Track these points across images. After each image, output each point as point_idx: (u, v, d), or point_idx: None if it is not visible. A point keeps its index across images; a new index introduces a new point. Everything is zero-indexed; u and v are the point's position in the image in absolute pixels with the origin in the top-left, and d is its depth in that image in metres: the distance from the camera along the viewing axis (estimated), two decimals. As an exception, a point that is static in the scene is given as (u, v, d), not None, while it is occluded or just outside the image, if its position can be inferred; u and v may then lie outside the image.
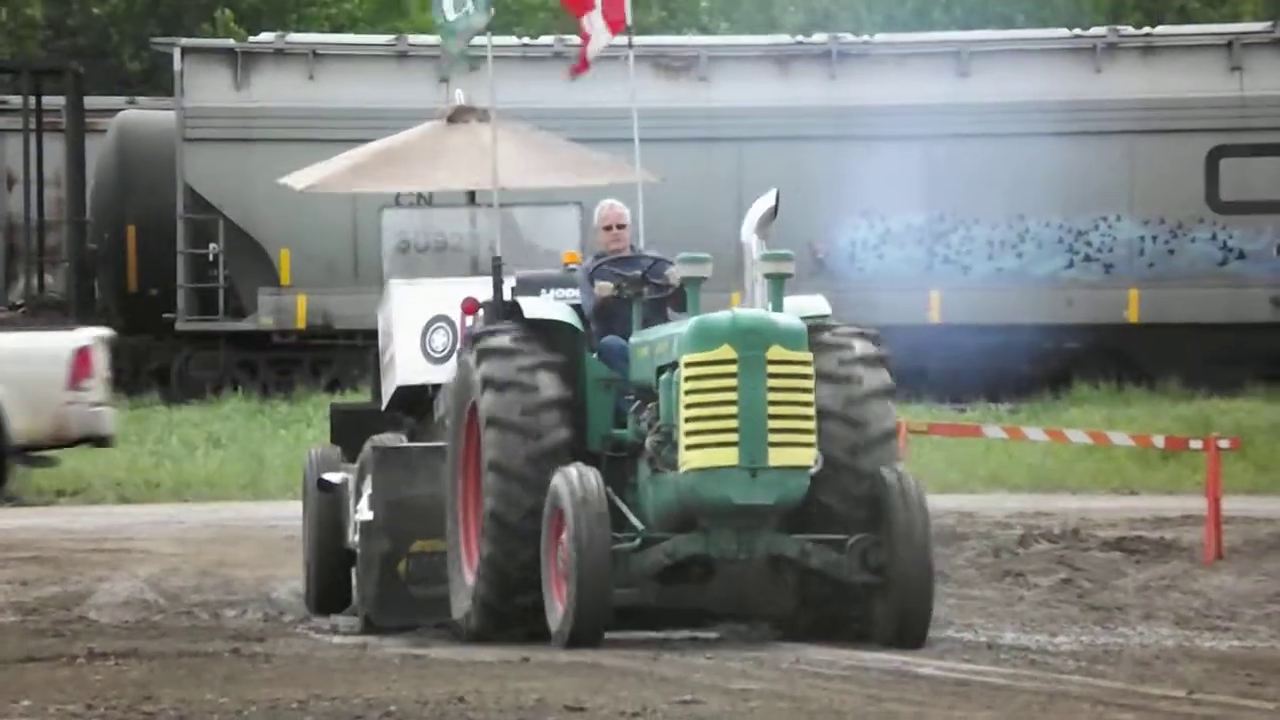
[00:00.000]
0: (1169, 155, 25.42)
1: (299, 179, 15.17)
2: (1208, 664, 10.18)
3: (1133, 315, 25.34)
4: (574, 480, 10.48)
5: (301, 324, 25.74)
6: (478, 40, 12.31)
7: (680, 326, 10.87)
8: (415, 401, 13.49)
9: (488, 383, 10.95)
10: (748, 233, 11.12)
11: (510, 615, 10.89)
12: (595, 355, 11.29)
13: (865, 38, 26.91)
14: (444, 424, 12.69)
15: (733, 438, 10.44)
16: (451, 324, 13.18)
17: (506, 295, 11.66)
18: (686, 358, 10.59)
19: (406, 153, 14.57)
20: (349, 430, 13.77)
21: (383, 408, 13.78)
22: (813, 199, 24.03)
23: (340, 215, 25.51)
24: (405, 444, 12.44)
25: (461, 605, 11.18)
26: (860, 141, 25.01)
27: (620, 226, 11.69)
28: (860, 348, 11.05)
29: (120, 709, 8.11)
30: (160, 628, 12.37)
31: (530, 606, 10.79)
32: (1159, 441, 17.31)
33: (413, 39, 27.07)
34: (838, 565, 10.61)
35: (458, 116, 14.46)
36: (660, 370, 10.87)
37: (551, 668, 9.95)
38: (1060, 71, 25.71)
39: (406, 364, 13.27)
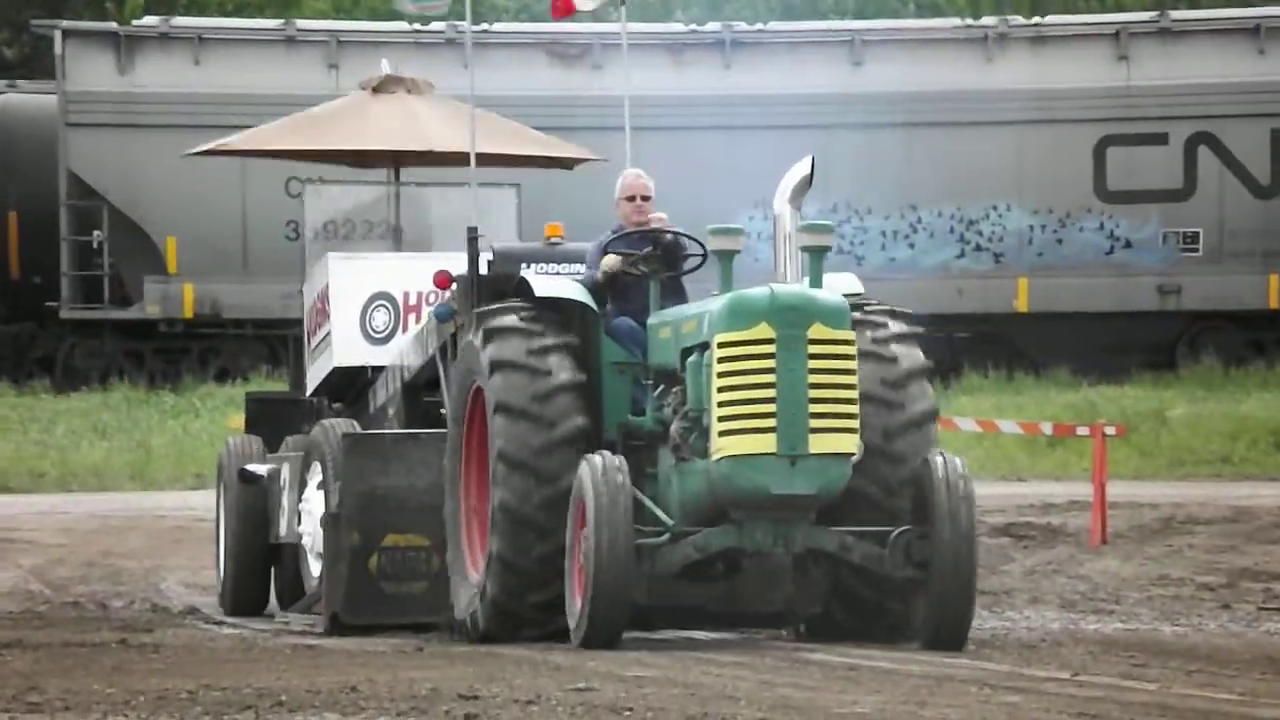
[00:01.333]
0: (1057, 145, 25.61)
1: (226, 143, 14.52)
2: (1092, 646, 10.23)
3: (1022, 304, 25.51)
4: (599, 470, 9.80)
5: (189, 313, 25.48)
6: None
7: (710, 304, 10.06)
8: (347, 386, 12.87)
9: (496, 366, 10.26)
10: (780, 203, 10.21)
11: (523, 615, 10.23)
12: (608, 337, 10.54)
13: (759, 27, 26.94)
14: (385, 412, 12.26)
15: (770, 423, 9.70)
16: (394, 301, 12.55)
17: (483, 269, 11.08)
18: (720, 337, 9.82)
19: (330, 118, 13.93)
20: (267, 420, 13.28)
21: (307, 393, 13.14)
22: (705, 189, 24.02)
23: (229, 202, 25.29)
24: (376, 431, 11.77)
25: (465, 604, 10.48)
26: (753, 131, 25.04)
27: (645, 198, 10.79)
28: (895, 326, 10.42)
29: (4, 699, 7.97)
30: (46, 618, 12.23)
31: (544, 605, 10.15)
32: (1047, 429, 17.44)
33: (301, 24, 26.86)
34: (879, 560, 9.90)
35: (384, 87, 13.84)
36: (687, 352, 10.11)
37: (446, 657, 9.89)
38: (951, 62, 25.83)
39: (345, 344, 12.58)
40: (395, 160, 13.68)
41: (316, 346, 13.00)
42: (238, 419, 20.49)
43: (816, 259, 10.06)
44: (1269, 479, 19.57)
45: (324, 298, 12.79)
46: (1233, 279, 25.65)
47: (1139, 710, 7.77)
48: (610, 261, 10.55)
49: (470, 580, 10.48)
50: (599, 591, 9.69)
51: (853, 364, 9.84)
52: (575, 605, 9.93)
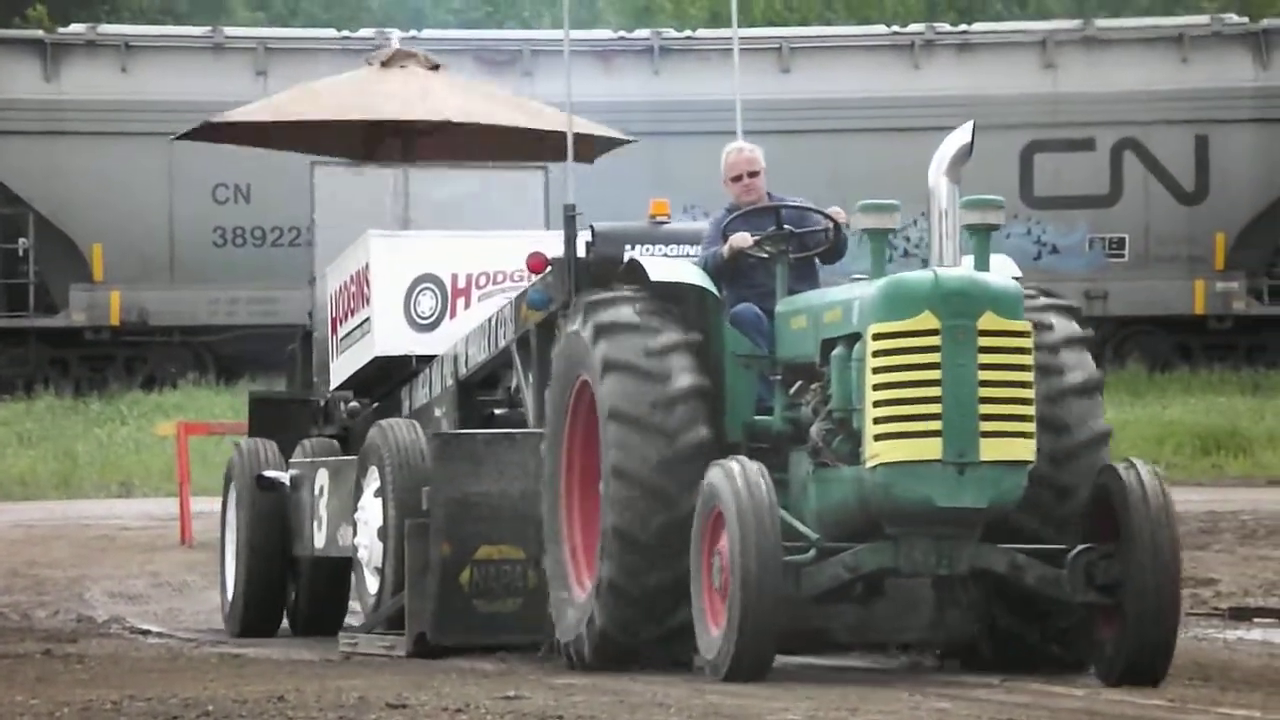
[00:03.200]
0: (984, 151, 25.63)
1: (218, 119, 13.36)
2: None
3: (951, 310, 25.59)
4: (736, 476, 8.54)
5: (115, 320, 25.32)
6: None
7: (861, 289, 8.81)
8: (382, 380, 11.79)
9: (609, 366, 9.06)
10: (936, 175, 8.86)
11: (635, 648, 9.08)
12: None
13: (687, 34, 26.97)
14: (429, 412, 11.12)
15: (935, 426, 8.45)
16: (441, 284, 11.43)
17: (580, 251, 9.94)
18: (875, 327, 8.58)
19: (336, 90, 12.89)
20: (272, 423, 12.23)
21: (332, 387, 12.03)
22: (634, 195, 24.01)
23: (156, 209, 25.15)
24: (465, 431, 10.56)
25: (570, 626, 9.30)
26: (683, 137, 25.05)
27: (752, 174, 9.62)
28: (1061, 326, 9.09)
29: (-74, 712, 7.87)
30: (-31, 630, 12.08)
31: (661, 638, 9.02)
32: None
33: (229, 31, 26.73)
34: (1056, 583, 8.61)
35: (394, 60, 12.75)
36: (829, 343, 8.89)
37: (373, 666, 9.79)
38: (880, 68, 25.93)
39: (387, 331, 11.43)
40: (405, 147, 12.70)
41: (348, 335, 11.87)
42: (166, 427, 20.38)
43: (982, 239, 8.75)
44: (1195, 484, 19.67)
45: (361, 280, 11.66)
46: (1159, 284, 25.83)
47: (1067, 716, 7.75)
48: (741, 239, 9.32)
49: (575, 599, 9.36)
50: (745, 617, 8.38)
51: (1029, 359, 8.58)
52: (710, 634, 8.64)
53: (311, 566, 11.72)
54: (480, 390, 11.17)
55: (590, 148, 12.92)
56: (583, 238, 10.03)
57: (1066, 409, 8.93)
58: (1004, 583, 8.72)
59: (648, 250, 9.87)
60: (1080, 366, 9.03)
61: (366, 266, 11.56)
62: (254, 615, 11.73)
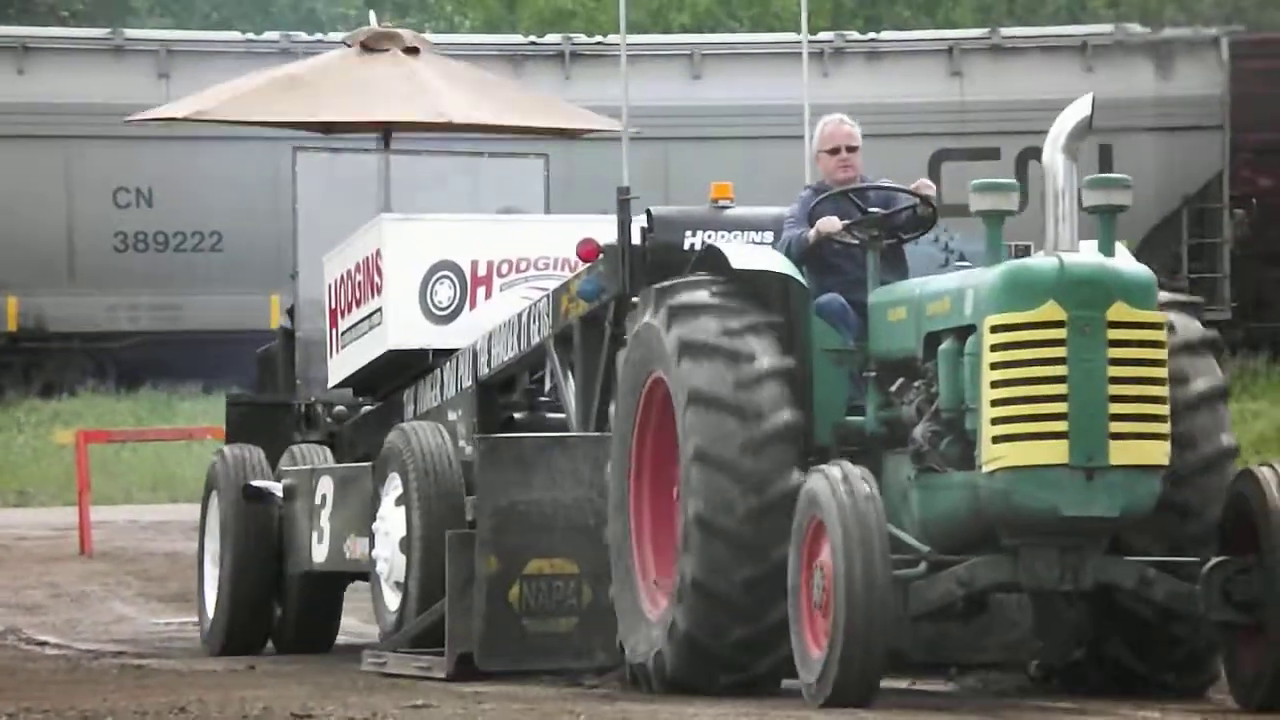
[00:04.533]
0: (893, 159, 25.74)
1: (176, 109, 12.72)
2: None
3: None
4: (839, 483, 7.80)
5: (12, 325, 24.91)
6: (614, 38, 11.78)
7: (974, 277, 8.10)
8: (392, 377, 10.97)
9: (686, 348, 8.31)
10: (1052, 152, 8.14)
11: (723, 655, 8.26)
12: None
13: (598, 39, 26.89)
14: (442, 414, 10.37)
15: (1061, 427, 7.75)
16: (459, 272, 10.58)
17: (635, 238, 9.25)
18: (994, 319, 7.86)
19: (313, 80, 11.92)
20: (251, 428, 11.46)
21: (332, 384, 11.23)
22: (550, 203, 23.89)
23: (54, 213, 24.76)
24: (513, 435, 9.74)
25: (647, 644, 8.53)
26: (592, 143, 24.94)
27: (851, 149, 8.90)
28: (1184, 327, 8.32)
29: None
30: None
31: (748, 643, 8.23)
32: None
33: (130, 33, 26.38)
34: (1189, 599, 7.95)
35: (375, 43, 11.86)
36: (934, 337, 8.19)
37: (278, 676, 9.55)
38: (789, 76, 25.88)
39: (402, 322, 10.60)
40: (386, 126, 11.87)
41: (352, 329, 11.04)
42: (65, 434, 20.07)
43: (1108, 222, 8.06)
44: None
45: (370, 268, 10.78)
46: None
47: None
48: (829, 224, 8.62)
49: (648, 618, 8.59)
50: (852, 638, 7.67)
51: (1162, 353, 7.88)
52: (811, 655, 7.92)
53: (302, 582, 10.99)
54: (501, 392, 10.48)
55: (579, 135, 12.56)
56: (637, 223, 9.34)
57: (1189, 421, 8.18)
58: (1121, 600, 8.04)
59: (710, 237, 9.15)
60: (1205, 373, 8.30)
61: (378, 253, 10.72)
62: (238, 634, 11.01)
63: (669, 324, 8.46)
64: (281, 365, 11.76)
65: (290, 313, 11.78)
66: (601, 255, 9.43)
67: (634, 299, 8.99)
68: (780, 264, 8.63)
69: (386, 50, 11.83)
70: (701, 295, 8.48)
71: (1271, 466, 8.01)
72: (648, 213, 9.36)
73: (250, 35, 25.96)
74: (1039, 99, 25.74)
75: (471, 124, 11.74)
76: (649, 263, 9.14)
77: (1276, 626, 7.85)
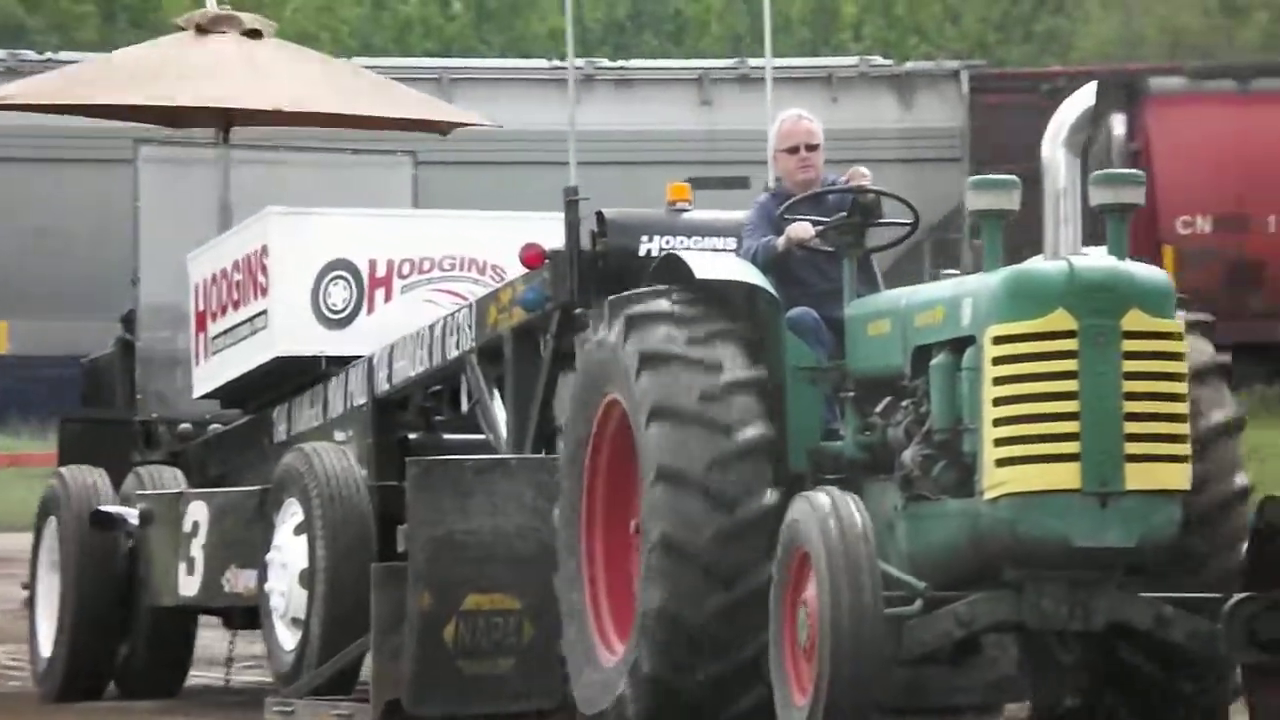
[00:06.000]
0: (649, 187, 25.98)
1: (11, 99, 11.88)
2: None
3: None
4: (827, 511, 7.01)
5: None
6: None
7: (970, 284, 7.33)
8: (269, 388, 10.18)
9: (646, 360, 7.49)
10: (1052, 147, 7.34)
11: (692, 693, 7.41)
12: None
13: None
14: (327, 433, 9.67)
15: (1073, 448, 6.95)
16: (356, 272, 9.87)
17: (584, 243, 8.59)
18: (996, 329, 7.06)
19: (146, 64, 11.18)
20: (86, 449, 10.64)
21: (198, 394, 10.47)
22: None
23: None
24: (451, 458, 8.78)
25: (605, 691, 7.66)
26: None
27: (811, 147, 8.19)
28: (1198, 350, 7.49)
29: None
30: None
31: (720, 680, 7.40)
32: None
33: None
34: (1211, 639, 7.20)
35: (212, 26, 11.19)
36: (925, 351, 7.41)
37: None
38: (540, 102, 26.04)
39: (291, 326, 9.83)
40: (225, 119, 11.15)
41: (227, 333, 10.30)
42: None
43: (1119, 222, 7.21)
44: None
45: (253, 267, 10.05)
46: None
47: None
48: (801, 230, 7.88)
49: (604, 666, 7.77)
50: (839, 683, 6.87)
51: (1182, 365, 7.11)
52: (794, 702, 7.11)
53: (153, 618, 10.26)
54: (400, 411, 9.81)
55: (441, 127, 11.66)
56: (586, 226, 8.65)
57: (1203, 457, 7.32)
58: (1123, 649, 7.32)
59: (668, 242, 8.54)
60: (1219, 403, 7.49)
61: (263, 249, 9.96)
62: (79, 675, 10.27)
63: (626, 335, 7.65)
64: (119, 379, 10.97)
65: (127, 321, 11.03)
66: (547, 261, 8.74)
67: (578, 310, 8.38)
68: (749, 274, 7.82)
69: (225, 33, 11.18)
70: (662, 304, 7.68)
71: None
72: (599, 215, 8.70)
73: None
74: (789, 129, 26.30)
75: (316, 113, 11.04)
76: (601, 270, 8.49)
77: None
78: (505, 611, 8.44)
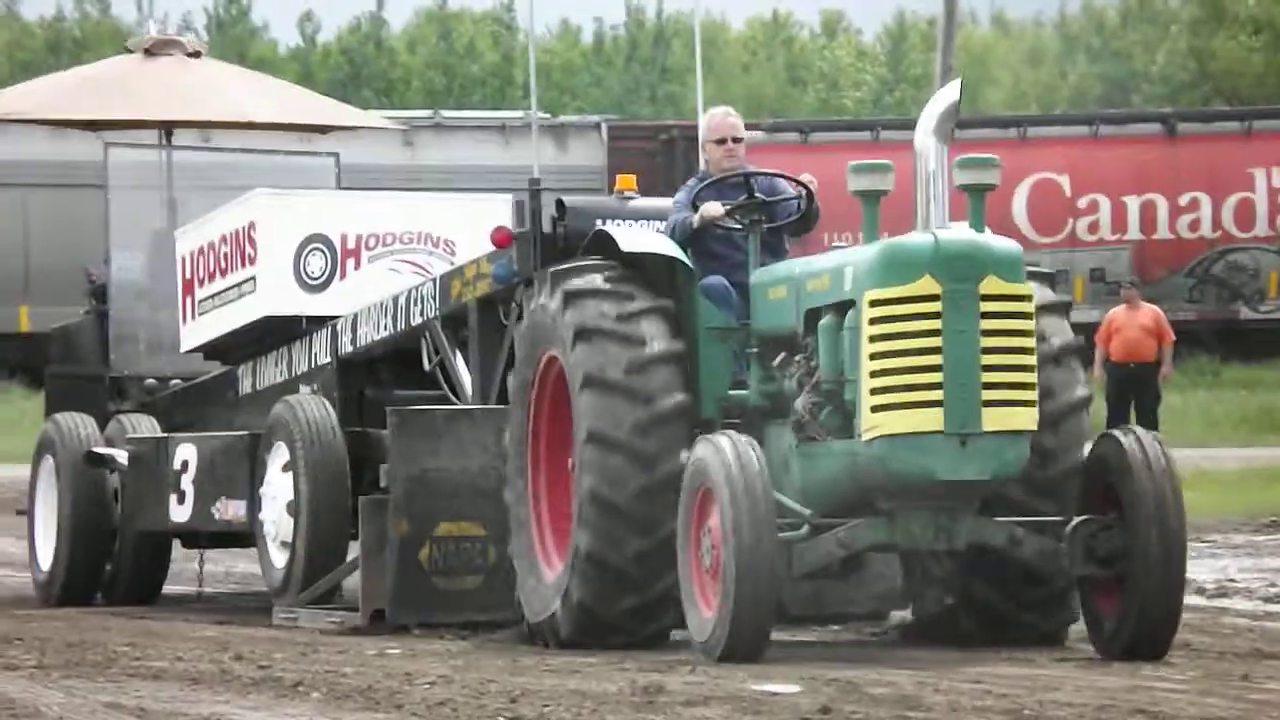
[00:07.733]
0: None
1: None
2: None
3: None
4: (726, 451, 8.19)
5: None
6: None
7: (853, 255, 8.48)
8: (254, 340, 11.64)
9: (580, 333, 8.78)
10: (924, 136, 8.46)
11: (614, 621, 8.78)
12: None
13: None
14: (294, 388, 11.12)
15: (936, 395, 8.12)
16: (330, 245, 11.38)
17: (546, 225, 9.74)
18: (872, 294, 8.23)
19: (97, 82, 12.95)
20: (68, 400, 12.25)
21: (187, 349, 12.00)
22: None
23: None
24: (425, 407, 10.21)
25: (543, 605, 9.04)
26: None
27: (736, 140, 9.35)
28: (1058, 331, 8.84)
29: None
30: None
31: (638, 609, 8.75)
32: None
33: None
34: (1055, 556, 8.38)
35: (158, 49, 12.80)
36: (815, 313, 8.60)
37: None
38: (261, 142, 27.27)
39: (275, 289, 11.32)
40: (167, 124, 12.82)
41: (215, 296, 11.75)
42: None
43: (978, 200, 8.37)
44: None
45: (241, 239, 11.49)
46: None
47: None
48: (712, 209, 9.11)
49: (545, 580, 9.12)
50: (741, 598, 8.07)
51: (1031, 324, 8.32)
52: (703, 615, 8.34)
53: (137, 540, 11.85)
54: (361, 371, 11.25)
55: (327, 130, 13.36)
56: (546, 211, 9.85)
57: (1048, 375, 8.64)
58: (992, 555, 8.47)
59: (619, 225, 9.60)
60: (1059, 332, 8.83)
61: (251, 225, 11.43)
62: (73, 587, 11.89)
63: (564, 308, 8.90)
64: (93, 341, 12.61)
65: (98, 294, 12.62)
66: (515, 242, 9.91)
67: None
68: (667, 247, 9.05)
69: (170, 55, 12.79)
70: (595, 280, 8.91)
71: (1129, 429, 8.48)
72: (559, 202, 9.80)
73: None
74: (474, 165, 32.08)
75: (255, 122, 12.72)
76: (560, 249, 9.55)
77: (1134, 579, 8.30)
78: (473, 537, 9.93)
